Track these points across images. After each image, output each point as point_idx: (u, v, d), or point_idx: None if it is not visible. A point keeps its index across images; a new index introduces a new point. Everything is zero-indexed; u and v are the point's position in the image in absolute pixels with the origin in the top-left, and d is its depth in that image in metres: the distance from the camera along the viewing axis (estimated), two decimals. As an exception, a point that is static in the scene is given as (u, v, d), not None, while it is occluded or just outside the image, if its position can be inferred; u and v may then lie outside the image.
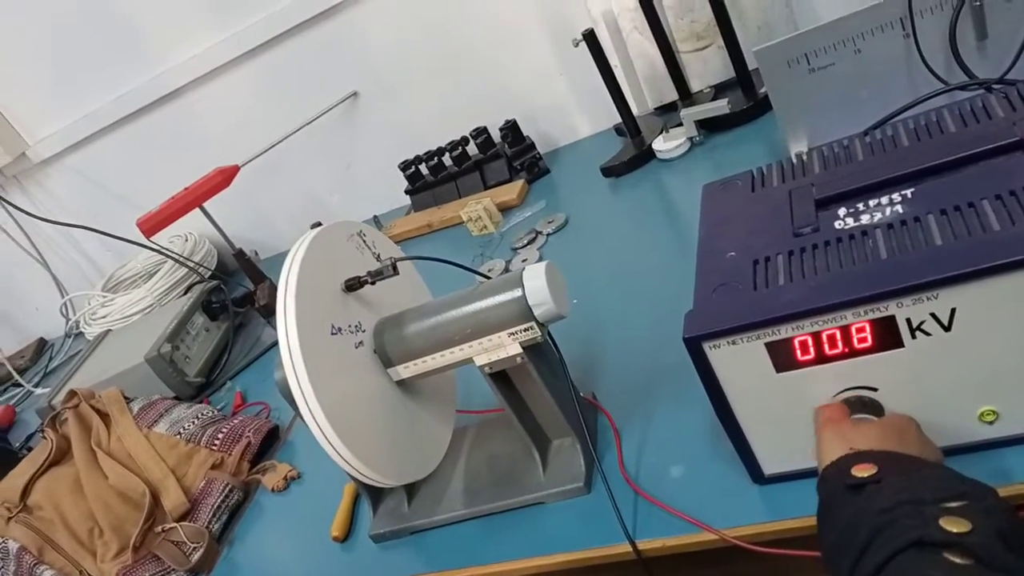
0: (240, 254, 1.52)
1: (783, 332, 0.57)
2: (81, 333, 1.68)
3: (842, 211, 0.63)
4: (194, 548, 0.95)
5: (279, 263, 1.71)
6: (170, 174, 1.45)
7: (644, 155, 1.23)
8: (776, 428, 0.62)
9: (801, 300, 0.55)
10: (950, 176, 0.61)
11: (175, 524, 0.97)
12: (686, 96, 1.25)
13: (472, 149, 1.43)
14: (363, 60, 1.48)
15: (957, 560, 0.39)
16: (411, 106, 1.50)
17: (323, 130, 1.53)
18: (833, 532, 0.47)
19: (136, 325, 1.52)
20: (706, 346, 0.58)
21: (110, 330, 1.55)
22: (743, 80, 1.18)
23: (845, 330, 0.56)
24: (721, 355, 0.59)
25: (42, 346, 2.02)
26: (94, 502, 1.01)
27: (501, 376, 0.74)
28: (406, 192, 1.49)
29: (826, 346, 0.56)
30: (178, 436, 1.07)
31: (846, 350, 0.56)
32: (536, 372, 0.72)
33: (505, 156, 1.40)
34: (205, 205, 1.42)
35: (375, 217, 1.53)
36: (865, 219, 0.61)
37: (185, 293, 1.55)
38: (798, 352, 0.57)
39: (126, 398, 1.16)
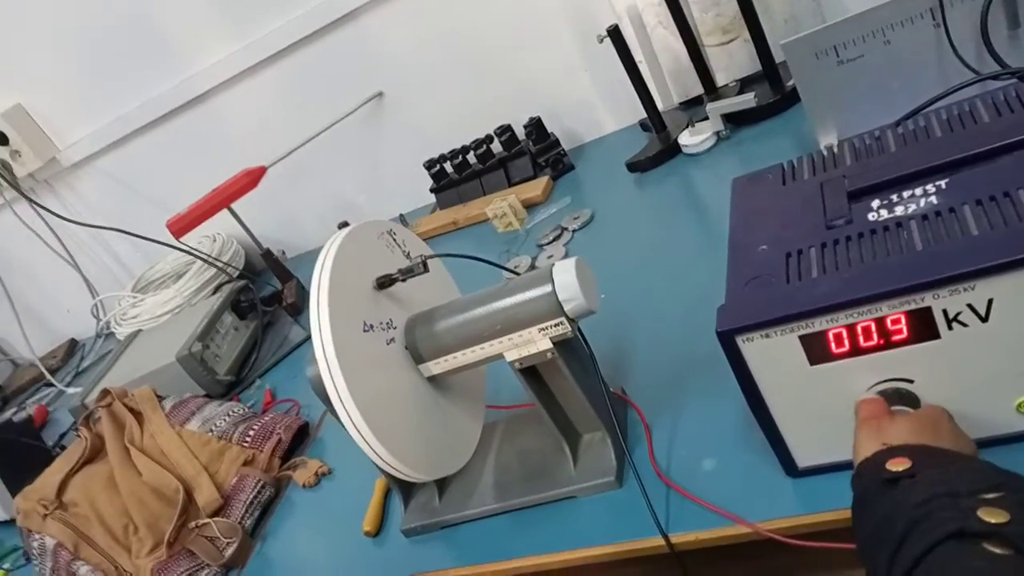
0: (268, 254, 1.54)
1: (817, 325, 0.56)
2: (112, 333, 1.70)
3: (875, 203, 0.62)
4: (228, 543, 0.96)
5: (306, 262, 1.74)
6: (198, 176, 1.47)
7: (670, 150, 1.22)
8: (810, 421, 0.62)
9: (836, 292, 0.55)
10: (985, 166, 0.60)
11: (208, 520, 0.98)
12: (712, 90, 1.25)
13: (496, 147, 1.43)
14: (388, 60, 1.48)
15: (997, 550, 0.39)
16: (436, 105, 1.51)
17: (349, 130, 1.54)
18: (869, 526, 0.47)
19: (166, 325, 1.53)
20: (739, 339, 0.58)
21: (141, 330, 1.56)
22: (770, 73, 1.17)
23: (880, 322, 0.55)
24: (754, 348, 0.58)
25: (73, 346, 2.05)
26: (128, 499, 1.02)
27: (531, 372, 0.75)
28: (431, 190, 1.50)
29: (861, 338, 0.56)
30: (210, 433, 1.09)
31: (881, 342, 0.56)
32: (566, 367, 0.72)
33: (529, 153, 1.40)
34: (233, 206, 1.44)
35: (401, 215, 1.54)
36: (899, 210, 0.60)
37: (214, 293, 1.57)
38: (832, 345, 0.57)
39: (158, 396, 1.17)
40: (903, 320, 0.55)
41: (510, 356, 0.72)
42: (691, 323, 0.87)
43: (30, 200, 1.75)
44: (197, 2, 1.50)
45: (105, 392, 1.17)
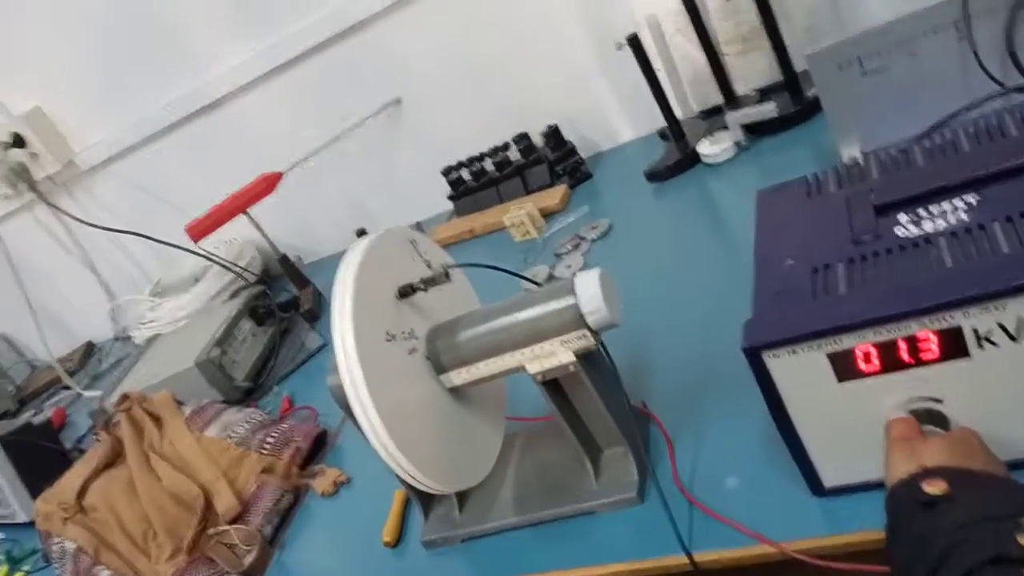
0: (284, 259, 1.55)
1: (846, 342, 0.56)
2: (129, 337, 1.71)
3: (903, 218, 0.62)
4: (247, 551, 0.96)
5: (322, 268, 1.74)
6: (214, 181, 1.47)
7: (689, 159, 1.22)
8: (837, 439, 0.61)
9: (865, 310, 0.55)
10: (1015, 182, 0.59)
11: (228, 527, 0.98)
12: (731, 99, 1.24)
13: (514, 154, 1.43)
14: (405, 67, 1.49)
15: (1037, 577, 0.39)
16: (453, 112, 1.51)
17: (365, 136, 1.54)
18: (904, 549, 0.46)
19: (184, 329, 1.54)
20: (766, 356, 0.58)
21: (158, 334, 1.57)
22: (790, 83, 1.16)
23: (910, 340, 0.55)
24: (781, 364, 0.58)
25: (90, 349, 2.06)
26: (148, 504, 1.02)
27: (553, 384, 0.74)
28: (448, 197, 1.50)
29: (890, 356, 0.56)
30: (229, 440, 1.09)
31: (910, 360, 0.56)
32: (589, 380, 0.72)
33: (547, 161, 1.40)
34: (250, 211, 1.44)
35: (418, 222, 1.54)
36: (928, 226, 0.60)
37: (231, 298, 1.57)
38: (861, 362, 0.57)
39: (177, 401, 1.18)
40: (933, 338, 0.54)
41: (532, 368, 0.72)
42: (712, 336, 0.86)
43: (48, 203, 1.76)
44: (215, 7, 1.50)
45: (124, 396, 1.18)
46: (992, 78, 0.82)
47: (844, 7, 1.18)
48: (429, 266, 0.80)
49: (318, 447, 1.11)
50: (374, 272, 0.72)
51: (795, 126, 1.16)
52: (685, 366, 0.86)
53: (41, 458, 1.37)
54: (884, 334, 0.55)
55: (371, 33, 1.46)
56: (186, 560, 0.97)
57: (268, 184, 1.44)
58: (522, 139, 1.41)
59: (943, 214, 0.60)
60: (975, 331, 0.53)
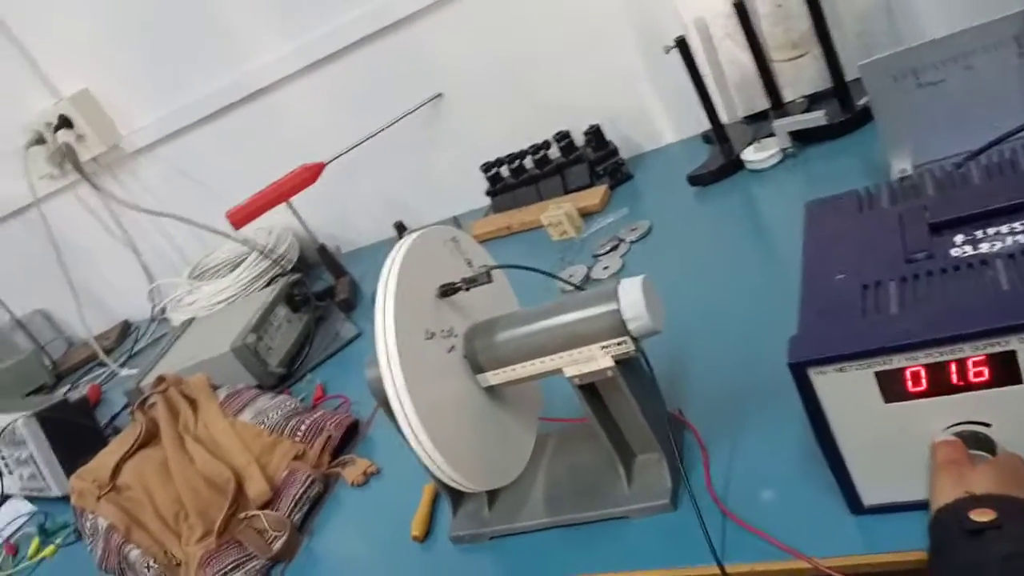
0: (322, 248, 1.56)
1: (895, 362, 0.55)
2: (166, 318, 1.74)
3: (959, 238, 0.61)
4: (276, 536, 0.97)
5: (358, 259, 1.75)
6: (255, 169, 1.49)
7: (733, 165, 1.21)
8: (879, 458, 0.60)
9: (917, 331, 0.54)
10: (1078, 206, 0.58)
11: (258, 512, 0.99)
12: (778, 106, 1.23)
13: (554, 152, 1.43)
14: (447, 63, 1.49)
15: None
16: (494, 109, 1.50)
17: (406, 131, 1.54)
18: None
19: (220, 314, 1.56)
20: (812, 372, 0.57)
21: (194, 317, 1.59)
22: (840, 91, 1.15)
23: (961, 363, 0.54)
24: (827, 381, 0.57)
25: (127, 328, 2.09)
26: (181, 486, 1.04)
27: (589, 388, 0.74)
28: (487, 193, 1.50)
29: (939, 379, 0.55)
30: (262, 425, 1.10)
31: (960, 383, 0.54)
32: (626, 386, 0.71)
33: (588, 160, 1.39)
34: (290, 200, 1.46)
35: (455, 217, 1.55)
36: (984, 247, 0.59)
37: (267, 285, 1.59)
38: (909, 383, 0.55)
39: (212, 385, 1.19)
40: (985, 363, 0.53)
41: (569, 372, 0.72)
42: (752, 346, 0.85)
43: (92, 184, 1.79)
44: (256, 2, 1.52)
45: (161, 378, 1.20)
46: (1053, 96, 0.80)
47: (899, 16, 1.16)
48: (470, 264, 0.80)
49: (349, 437, 1.12)
50: (416, 270, 0.72)
51: (843, 135, 1.14)
52: (723, 374, 0.85)
53: (76, 434, 1.40)
54: (935, 356, 0.54)
55: (414, 29, 1.46)
56: (216, 543, 0.98)
57: (311, 174, 1.45)
58: (563, 138, 1.40)
59: (1000, 236, 0.59)
60: (1029, 357, 0.52)
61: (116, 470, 1.11)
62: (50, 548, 1.28)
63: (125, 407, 1.55)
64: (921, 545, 0.56)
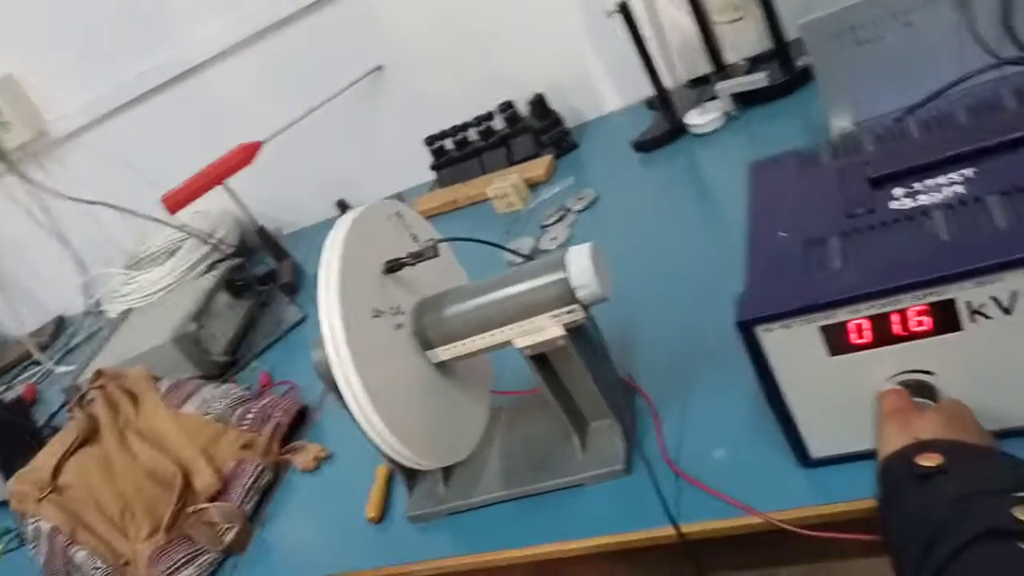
0: (262, 231, 1.52)
1: (839, 316, 0.55)
2: (101, 311, 1.68)
3: (898, 191, 0.61)
4: (227, 528, 0.95)
5: (301, 240, 1.71)
6: (191, 151, 1.44)
7: (677, 130, 1.21)
8: (826, 411, 0.61)
9: (859, 284, 0.54)
10: (1012, 155, 0.59)
11: (207, 504, 0.97)
12: (720, 69, 1.23)
13: (498, 123, 1.41)
14: (388, 34, 1.46)
15: (1032, 550, 0.39)
16: (436, 80, 1.48)
17: (346, 105, 1.51)
18: (899, 522, 0.46)
19: (158, 304, 1.51)
20: (759, 330, 0.57)
21: (131, 309, 1.54)
22: (780, 52, 1.15)
23: (902, 314, 0.54)
24: (774, 338, 0.57)
25: (61, 324, 2.02)
26: (125, 483, 1.01)
27: (540, 358, 0.73)
28: (431, 168, 1.48)
29: (882, 330, 0.55)
30: (207, 416, 1.07)
31: (902, 333, 0.55)
32: (577, 354, 0.71)
33: (532, 131, 1.38)
34: (227, 181, 1.41)
35: (399, 193, 1.52)
36: (923, 199, 0.59)
37: (207, 271, 1.54)
38: (853, 336, 0.56)
39: (153, 377, 1.16)
40: (926, 312, 0.54)
41: (520, 343, 0.71)
42: (700, 309, 0.86)
43: (19, 173, 1.72)
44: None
45: (99, 373, 1.15)
46: (987, 50, 0.81)
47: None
48: (415, 239, 0.79)
49: (299, 423, 1.10)
50: (360, 247, 0.70)
51: (785, 96, 1.15)
52: (672, 339, 0.85)
53: (12, 436, 1.35)
54: (877, 308, 0.54)
55: (353, 1, 1.43)
56: (165, 539, 0.95)
57: (247, 154, 1.41)
58: (507, 108, 1.39)
59: (939, 187, 0.59)
60: (968, 304, 0.53)
61: (57, 470, 1.06)
62: (-7, 554, 1.23)
63: (63, 405, 1.49)
64: (869, 494, 0.58)
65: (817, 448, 0.63)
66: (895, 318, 0.55)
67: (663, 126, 1.22)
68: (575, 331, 0.70)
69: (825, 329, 0.56)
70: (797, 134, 1.03)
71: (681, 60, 1.27)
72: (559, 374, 0.76)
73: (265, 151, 1.44)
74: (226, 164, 1.40)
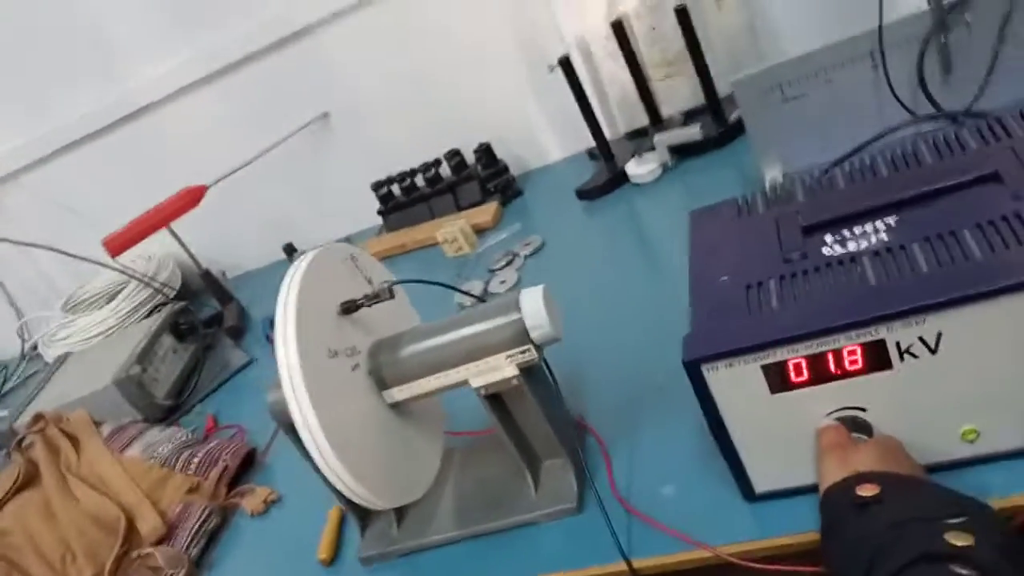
0: (207, 274, 1.51)
1: (779, 355, 0.59)
2: (38, 355, 1.63)
3: (828, 237, 0.66)
4: (172, 573, 0.93)
5: (246, 283, 1.69)
6: (134, 194, 1.43)
7: (617, 179, 1.25)
8: (768, 447, 0.64)
9: (797, 324, 0.58)
10: (931, 206, 0.64)
11: (152, 549, 0.95)
12: (657, 122, 1.29)
13: (445, 171, 1.44)
14: (335, 81, 1.48)
15: (963, 572, 0.42)
16: (383, 127, 1.51)
17: (293, 150, 1.52)
18: (840, 549, 0.49)
19: (98, 347, 1.48)
20: (705, 368, 0.60)
21: (70, 353, 1.51)
22: (713, 107, 1.21)
23: (837, 353, 0.58)
24: (719, 377, 0.61)
25: (-7, 368, 1.95)
26: (66, 527, 0.98)
27: (494, 398, 0.75)
28: (378, 212, 1.49)
29: (819, 368, 0.59)
30: (152, 460, 1.05)
31: (838, 372, 0.59)
32: (531, 393, 0.73)
33: (478, 178, 1.41)
34: (172, 225, 1.40)
35: (347, 237, 1.53)
36: (852, 246, 0.64)
37: (148, 315, 1.52)
38: (792, 374, 0.60)
39: (95, 422, 1.13)
40: (859, 351, 0.58)
41: (476, 383, 0.73)
42: (645, 351, 0.89)
43: (-50, 215, 1.67)
44: (139, 12, 1.47)
45: (38, 416, 1.13)
46: (904, 107, 0.87)
47: (763, 37, 1.24)
48: (370, 282, 0.80)
49: (246, 467, 1.09)
50: (316, 288, 0.71)
51: (718, 148, 1.20)
52: (619, 380, 0.88)
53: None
54: (814, 347, 0.58)
55: (301, 47, 1.45)
56: (107, 585, 0.93)
57: (192, 198, 1.40)
58: (454, 156, 1.42)
59: (865, 235, 0.64)
60: (897, 344, 0.57)
61: (-8, 516, 1.04)
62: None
63: (1, 450, 1.44)
64: (810, 527, 0.61)
65: (761, 483, 0.67)
66: (831, 357, 0.58)
67: (604, 175, 1.27)
68: (528, 371, 0.72)
69: (766, 368, 0.60)
70: (731, 184, 1.08)
71: (620, 113, 1.33)
72: (513, 413, 0.78)
73: (211, 195, 1.43)
74: (171, 207, 1.39)
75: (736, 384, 0.61)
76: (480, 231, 1.34)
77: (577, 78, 1.24)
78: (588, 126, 1.27)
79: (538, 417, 0.75)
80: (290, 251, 1.51)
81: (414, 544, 0.81)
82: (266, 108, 1.52)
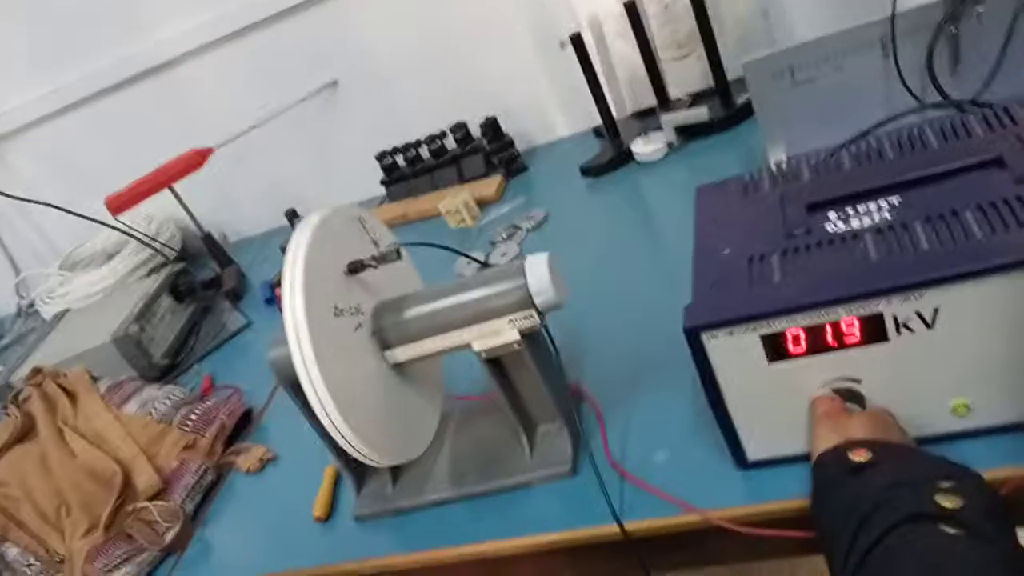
0: (208, 237, 1.51)
1: (778, 325, 0.60)
2: (36, 312, 1.64)
3: (832, 215, 0.67)
4: (167, 527, 0.94)
5: (246, 248, 1.70)
6: (138, 155, 1.42)
7: (623, 157, 1.26)
8: (763, 415, 0.65)
9: (797, 296, 0.59)
10: (934, 187, 0.65)
11: (147, 503, 0.96)
12: (664, 102, 1.29)
13: (450, 143, 1.44)
14: (345, 49, 1.48)
15: (951, 531, 0.43)
16: (391, 97, 1.51)
17: (300, 117, 1.52)
18: (832, 510, 0.50)
19: (97, 305, 1.48)
20: (705, 336, 0.61)
21: (68, 309, 1.51)
22: (721, 90, 1.22)
23: (835, 325, 0.59)
24: (718, 345, 0.62)
25: (-10, 324, 1.95)
26: (62, 480, 0.99)
27: (494, 361, 0.76)
28: (382, 183, 1.50)
29: (817, 339, 0.60)
30: (149, 416, 1.06)
31: (835, 344, 0.60)
32: (531, 358, 0.74)
33: (483, 151, 1.41)
34: (174, 187, 1.41)
35: (350, 205, 1.53)
36: (855, 223, 0.65)
37: (148, 275, 1.53)
38: (790, 344, 0.61)
39: (93, 377, 1.14)
40: (856, 324, 0.59)
41: (477, 346, 0.74)
42: (643, 322, 0.90)
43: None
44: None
45: (36, 370, 1.14)
46: (912, 95, 0.88)
47: (775, 21, 1.24)
48: (376, 244, 0.81)
49: (242, 426, 1.10)
50: (325, 246, 0.72)
51: (724, 131, 1.21)
52: (617, 350, 0.89)
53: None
54: (812, 319, 0.59)
55: (313, 14, 1.44)
56: (103, 537, 0.94)
57: (197, 160, 1.40)
58: (459, 128, 1.42)
59: (869, 213, 0.65)
60: (895, 318, 0.58)
61: (-12, 467, 1.04)
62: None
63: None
64: (799, 493, 0.62)
65: (754, 451, 0.68)
66: (829, 329, 0.59)
67: (610, 153, 1.27)
68: (530, 336, 0.73)
69: (765, 338, 0.61)
70: (734, 165, 1.09)
71: (628, 92, 1.33)
72: (511, 378, 0.79)
73: (215, 158, 1.43)
74: (175, 168, 1.39)
75: (735, 353, 0.62)
76: (483, 204, 1.34)
77: (587, 56, 1.24)
78: (596, 104, 1.28)
79: (536, 382, 0.76)
80: (292, 217, 1.52)
81: (409, 503, 0.82)
82: (275, 74, 1.52)
